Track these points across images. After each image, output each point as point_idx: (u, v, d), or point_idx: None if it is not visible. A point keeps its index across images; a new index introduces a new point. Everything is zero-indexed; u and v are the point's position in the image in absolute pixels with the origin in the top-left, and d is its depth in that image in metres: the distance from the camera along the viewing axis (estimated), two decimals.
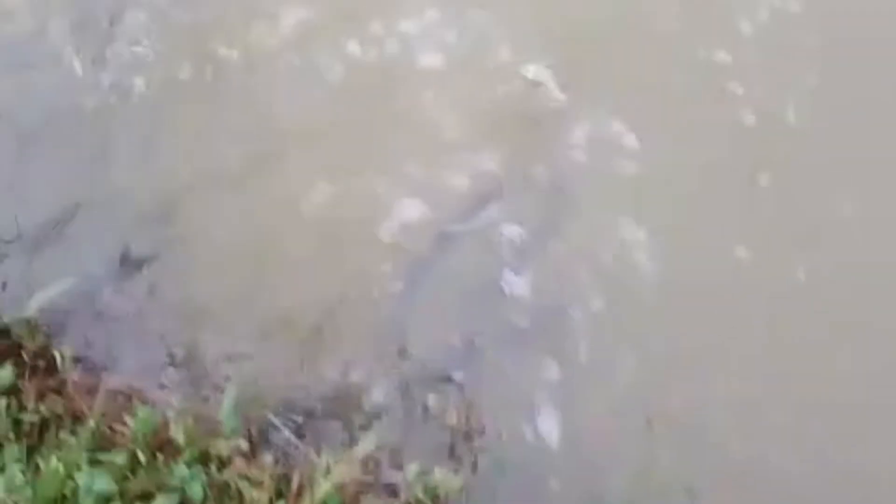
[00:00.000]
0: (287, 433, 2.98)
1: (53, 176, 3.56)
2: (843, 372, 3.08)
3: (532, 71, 3.67)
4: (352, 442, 2.91)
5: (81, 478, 2.70)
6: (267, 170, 3.53)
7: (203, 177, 3.54)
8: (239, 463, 2.82)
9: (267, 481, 2.76)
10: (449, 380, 3.12)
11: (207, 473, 2.78)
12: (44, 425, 2.90)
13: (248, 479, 2.78)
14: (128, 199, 3.51)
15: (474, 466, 2.98)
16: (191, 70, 3.77)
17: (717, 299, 3.20)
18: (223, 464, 2.82)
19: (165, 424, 2.87)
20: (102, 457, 2.78)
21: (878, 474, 2.94)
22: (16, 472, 2.73)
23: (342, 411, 3.06)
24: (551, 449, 3.01)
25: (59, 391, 3.00)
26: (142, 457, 2.79)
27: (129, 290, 3.34)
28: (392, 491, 2.90)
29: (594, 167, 3.47)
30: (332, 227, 3.39)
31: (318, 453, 2.86)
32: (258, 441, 2.94)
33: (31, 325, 3.09)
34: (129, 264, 3.38)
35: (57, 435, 2.86)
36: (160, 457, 2.81)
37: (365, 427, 3.00)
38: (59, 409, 2.93)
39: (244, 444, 2.86)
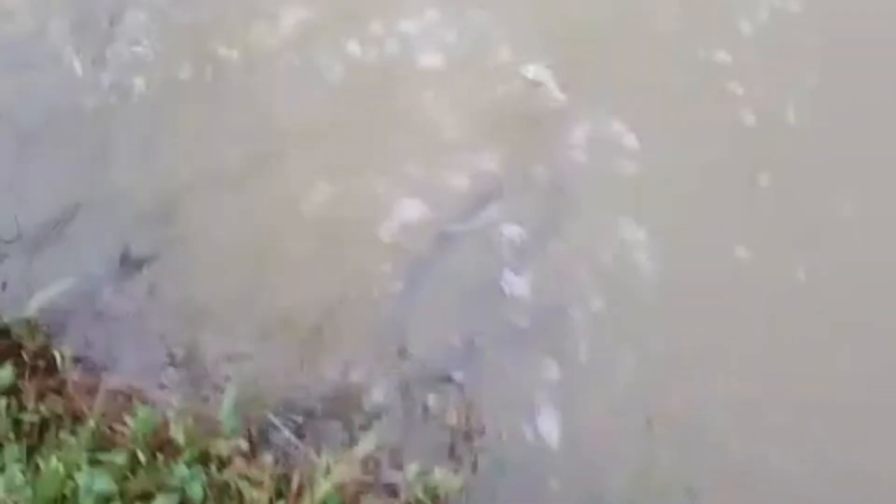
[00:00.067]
0: (287, 433, 2.98)
1: (53, 176, 3.55)
2: (843, 372, 3.08)
3: (532, 71, 3.67)
4: (352, 442, 2.90)
5: (81, 478, 2.70)
6: (267, 170, 3.53)
7: (203, 177, 3.53)
8: (239, 463, 2.82)
9: (267, 481, 2.76)
10: (449, 380, 3.12)
11: (207, 473, 2.78)
12: (44, 425, 2.90)
13: (248, 479, 2.78)
14: (128, 199, 3.51)
15: (474, 466, 2.98)
16: (191, 70, 3.77)
17: (716, 299, 3.20)
18: (223, 464, 2.82)
19: (165, 424, 2.87)
20: (102, 457, 2.78)
21: (879, 474, 2.94)
22: (16, 472, 2.73)
23: (342, 411, 3.06)
24: (551, 449, 3.01)
25: (59, 391, 3.00)
26: (142, 457, 2.78)
27: (130, 290, 3.34)
28: (392, 491, 2.90)
29: (594, 167, 3.47)
30: (332, 227, 3.39)
31: (318, 453, 2.86)
32: (258, 441, 2.94)
33: (31, 325, 3.09)
34: (130, 264, 3.38)
35: (57, 435, 2.86)
36: (160, 457, 2.80)
37: (365, 427, 3.00)
38: (59, 409, 2.93)
39: (244, 444, 2.86)
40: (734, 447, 2.96)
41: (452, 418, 3.05)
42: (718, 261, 3.25)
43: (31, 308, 3.09)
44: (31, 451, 2.80)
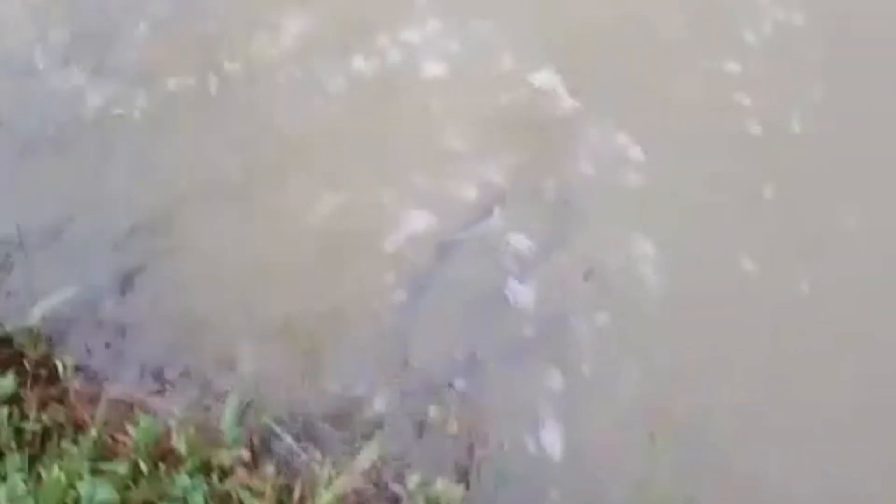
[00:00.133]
0: (289, 443, 2.97)
1: (55, 185, 3.55)
2: (847, 384, 3.08)
3: (538, 81, 3.67)
4: (354, 452, 2.88)
5: (83, 487, 2.68)
6: (270, 180, 3.53)
7: (205, 187, 3.53)
8: (241, 473, 2.81)
9: (268, 491, 2.75)
10: (451, 390, 3.11)
11: (209, 483, 2.76)
12: (45, 434, 2.88)
13: (249, 489, 2.77)
14: (129, 209, 3.50)
15: (476, 477, 2.97)
16: (193, 81, 3.76)
17: (721, 311, 3.20)
18: (225, 474, 2.81)
19: (167, 434, 2.86)
20: (104, 466, 2.77)
21: (882, 488, 2.93)
22: (17, 481, 2.71)
23: (344, 421, 3.06)
24: (553, 461, 3.00)
25: (61, 400, 2.99)
26: (143, 466, 2.77)
27: (131, 299, 3.33)
28: (394, 501, 2.90)
29: (600, 178, 3.47)
30: (335, 238, 3.39)
31: (320, 463, 2.85)
32: (260, 451, 2.93)
33: (33, 334, 3.08)
34: (132, 274, 3.38)
35: (59, 444, 2.84)
36: (162, 467, 2.79)
37: (367, 437, 2.98)
38: (61, 419, 2.92)
39: (246, 454, 2.85)
40: (737, 460, 2.95)
41: (454, 429, 3.04)
42: (723, 273, 3.25)
43: (34, 317, 3.09)
44: (32, 461, 2.79)
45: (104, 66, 3.83)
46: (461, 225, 3.41)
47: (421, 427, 3.05)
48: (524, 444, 3.03)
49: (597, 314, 3.22)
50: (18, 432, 2.87)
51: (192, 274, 3.34)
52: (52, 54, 3.86)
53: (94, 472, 2.75)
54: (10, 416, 2.88)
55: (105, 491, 2.70)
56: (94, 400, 2.97)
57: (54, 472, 2.70)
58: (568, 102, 3.63)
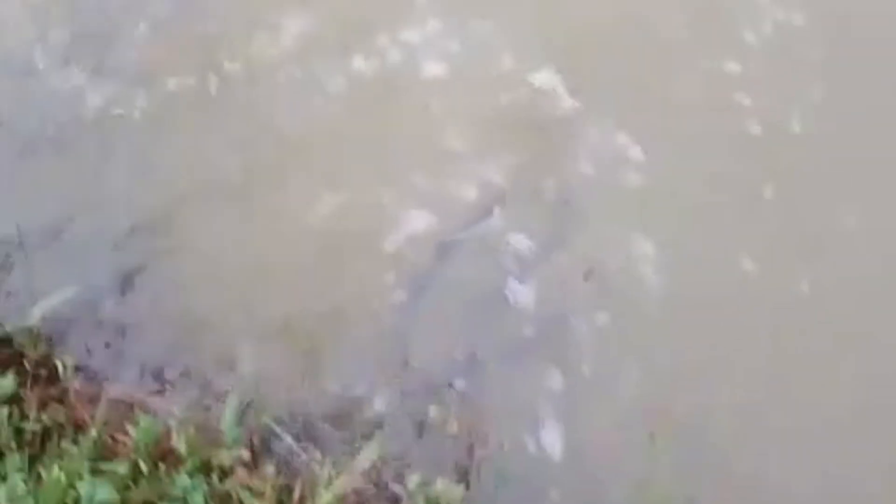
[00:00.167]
0: (289, 443, 2.97)
1: (55, 185, 3.55)
2: (848, 384, 3.08)
3: (538, 81, 3.67)
4: (354, 452, 2.89)
5: (83, 487, 2.68)
6: (270, 180, 3.53)
7: (205, 187, 3.53)
8: (241, 473, 2.81)
9: (268, 491, 2.75)
10: (451, 390, 3.11)
11: (209, 483, 2.76)
12: (46, 434, 2.88)
13: (249, 489, 2.77)
14: (129, 209, 3.50)
15: (476, 477, 2.96)
16: (193, 81, 3.76)
17: (721, 311, 3.20)
18: (225, 474, 2.80)
19: (167, 434, 2.86)
20: (104, 466, 2.77)
21: (882, 489, 2.93)
22: (18, 481, 2.71)
23: (344, 422, 3.06)
24: (553, 461, 3.00)
25: (61, 400, 2.99)
26: (143, 466, 2.77)
27: (131, 299, 3.33)
28: (394, 501, 2.90)
29: (600, 178, 3.47)
30: (336, 238, 3.38)
31: (320, 463, 2.85)
32: (260, 451, 2.93)
33: (34, 334, 3.08)
34: (132, 274, 3.38)
35: (59, 444, 2.84)
36: (162, 467, 2.79)
37: (367, 437, 2.98)
38: (61, 419, 2.92)
39: (246, 454, 2.85)
40: (737, 460, 2.95)
41: (454, 429, 3.04)
42: (723, 273, 3.25)
43: (34, 317, 3.09)
44: (32, 461, 2.79)
45: (104, 66, 3.83)
46: (461, 225, 3.41)
47: (421, 427, 3.05)
48: (524, 444, 3.03)
49: (597, 314, 3.22)
50: (18, 432, 2.87)
51: (192, 274, 3.34)
52: (52, 54, 3.86)
53: (94, 472, 2.75)
54: (10, 416, 2.87)
55: (105, 491, 2.70)
56: (94, 400, 2.97)
57: (54, 472, 2.70)
58: (568, 102, 3.63)
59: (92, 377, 3.12)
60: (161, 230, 3.47)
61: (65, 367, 3.02)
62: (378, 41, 3.81)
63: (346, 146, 3.57)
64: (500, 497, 2.95)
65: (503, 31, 3.78)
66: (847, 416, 3.02)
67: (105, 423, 2.88)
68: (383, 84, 3.72)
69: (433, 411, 3.07)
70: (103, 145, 3.65)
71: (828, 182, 3.38)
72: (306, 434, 3.02)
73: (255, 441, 2.93)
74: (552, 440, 3.02)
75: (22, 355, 3.06)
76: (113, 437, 2.88)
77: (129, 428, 2.85)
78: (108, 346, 3.21)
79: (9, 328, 3.11)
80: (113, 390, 3.04)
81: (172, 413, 2.97)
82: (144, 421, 2.86)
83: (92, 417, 2.90)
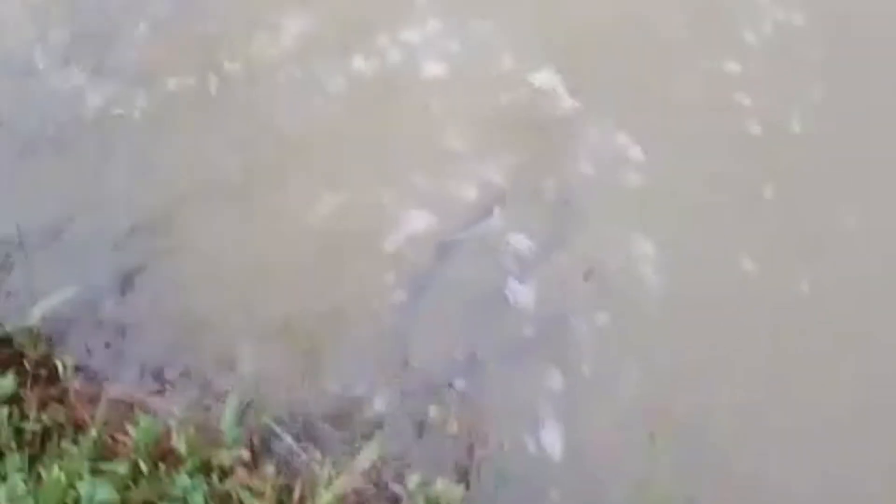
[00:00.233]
0: (289, 443, 2.97)
1: (55, 185, 3.55)
2: (848, 385, 3.07)
3: (538, 81, 3.67)
4: (354, 452, 2.89)
5: (83, 487, 2.68)
6: (270, 181, 3.52)
7: (205, 188, 3.53)
8: (241, 473, 2.81)
9: (268, 491, 2.75)
10: (451, 390, 3.11)
11: (209, 483, 2.76)
12: (46, 434, 2.88)
13: (249, 489, 2.77)
14: (130, 209, 3.49)
15: (476, 477, 2.96)
16: (193, 81, 3.76)
17: (721, 312, 3.19)
18: (225, 474, 2.80)
19: (167, 434, 2.86)
20: (104, 466, 2.77)
21: (882, 489, 2.93)
22: (18, 481, 2.71)
23: (344, 422, 3.05)
24: (553, 461, 3.00)
25: (61, 400, 2.99)
26: (143, 466, 2.77)
27: (131, 299, 3.33)
28: (394, 502, 2.90)
29: (600, 178, 3.47)
30: (336, 238, 3.38)
31: (320, 463, 2.85)
32: (260, 451, 2.93)
33: (34, 334, 3.08)
34: (132, 274, 3.37)
35: (59, 444, 2.84)
36: (162, 467, 2.79)
37: (367, 437, 2.98)
38: (61, 419, 2.92)
39: (246, 454, 2.85)
40: (737, 460, 2.95)
41: (454, 429, 3.04)
42: (723, 273, 3.25)
43: (34, 317, 3.08)
44: (32, 461, 2.79)
45: (104, 66, 3.83)
46: (461, 225, 3.41)
47: (421, 427, 3.05)
48: (524, 444, 3.02)
49: (597, 314, 3.22)
50: (18, 432, 2.87)
51: (192, 274, 3.34)
52: (52, 54, 3.86)
53: (94, 472, 2.75)
54: (10, 416, 2.87)
55: (105, 491, 2.70)
56: (94, 400, 2.97)
57: (54, 473, 2.70)
58: (568, 102, 3.62)
59: (92, 377, 3.12)
60: (161, 230, 3.47)
61: (65, 367, 3.02)
62: (378, 41, 3.80)
63: (346, 146, 3.57)
64: (500, 497, 2.95)
65: (503, 30, 3.78)
66: (847, 416, 3.02)
67: (105, 423, 2.88)
68: (383, 84, 3.72)
69: (433, 411, 3.07)
70: (103, 145, 3.65)
71: (828, 182, 3.38)
72: (306, 434, 3.02)
73: (255, 441, 2.93)
74: (552, 440, 3.02)
75: (22, 355, 3.06)
76: (113, 437, 2.88)
77: (129, 428, 2.85)
78: (108, 346, 3.21)
79: (9, 328, 3.11)
80: (113, 390, 3.04)
81: (172, 413, 2.97)
82: (144, 421, 2.85)
83: (92, 417, 2.90)
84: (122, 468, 2.76)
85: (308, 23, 3.86)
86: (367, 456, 2.84)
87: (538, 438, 3.03)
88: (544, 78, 3.67)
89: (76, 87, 3.78)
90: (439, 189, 3.47)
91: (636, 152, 3.49)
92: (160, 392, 3.12)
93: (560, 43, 3.73)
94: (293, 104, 3.70)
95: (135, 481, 2.76)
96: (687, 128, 3.52)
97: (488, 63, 3.73)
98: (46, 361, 3.07)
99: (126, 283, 3.36)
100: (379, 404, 3.09)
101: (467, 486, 2.92)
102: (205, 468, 2.80)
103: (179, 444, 2.81)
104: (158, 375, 3.16)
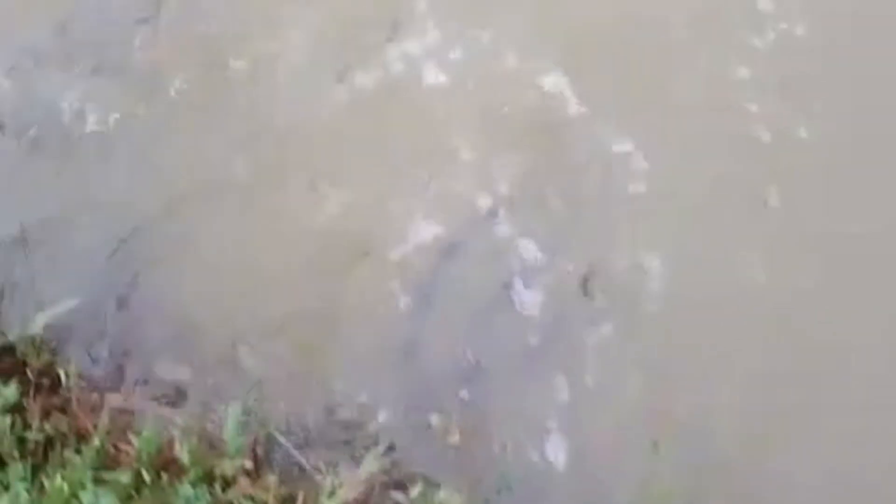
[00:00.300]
0: (292, 452, 2.98)
1: (55, 185, 3.54)
2: (850, 387, 3.08)
3: (544, 85, 3.65)
4: (356, 461, 2.90)
5: (86, 497, 2.70)
6: (271, 181, 3.52)
7: (206, 188, 3.52)
8: (243, 483, 2.82)
9: (271, 501, 2.77)
10: (455, 397, 3.11)
11: (212, 493, 2.77)
12: (48, 444, 2.89)
13: (252, 498, 2.79)
14: (130, 209, 3.49)
15: (479, 485, 2.97)
16: (193, 81, 3.74)
17: (726, 318, 3.19)
18: (228, 483, 2.82)
19: (170, 443, 2.87)
20: (107, 476, 2.78)
21: (883, 489, 2.94)
22: (21, 490, 2.73)
23: (347, 430, 3.06)
24: (556, 468, 3.01)
25: (64, 409, 2.99)
26: (146, 476, 2.78)
27: (132, 302, 3.32)
28: None
29: (605, 183, 3.46)
30: (340, 242, 3.38)
31: (323, 473, 2.86)
32: (263, 460, 2.94)
33: (36, 343, 3.09)
34: (132, 275, 3.37)
35: (62, 453, 2.85)
36: (164, 476, 2.80)
37: (369, 446, 2.99)
38: (64, 428, 2.93)
39: (249, 464, 2.86)
40: (740, 467, 2.96)
41: (458, 437, 3.04)
42: (728, 278, 3.25)
43: (37, 326, 3.09)
44: (35, 470, 2.80)
45: (104, 66, 3.81)
46: (466, 229, 3.40)
47: (424, 435, 3.05)
48: (527, 451, 3.03)
49: (602, 319, 3.21)
50: (21, 441, 2.88)
51: (195, 281, 3.33)
52: (52, 54, 3.84)
53: (97, 481, 2.76)
54: (13, 425, 2.88)
55: (108, 500, 2.72)
56: (96, 409, 2.98)
57: (57, 482, 2.72)
58: (574, 106, 3.60)
59: (94, 386, 3.12)
60: (161, 230, 3.45)
61: (67, 375, 3.02)
62: (383, 43, 3.78)
63: (349, 148, 3.56)
64: None
65: (508, 34, 3.75)
66: (849, 418, 3.02)
67: (108, 433, 2.89)
68: (387, 86, 3.69)
69: (436, 419, 3.07)
70: (103, 145, 3.63)
71: (831, 186, 3.37)
72: (309, 443, 3.03)
73: (258, 450, 2.94)
74: (555, 447, 3.03)
75: (25, 364, 3.07)
76: (115, 447, 2.89)
77: (132, 437, 2.87)
78: (110, 354, 3.21)
79: (11, 337, 3.11)
80: (115, 399, 3.04)
81: (175, 422, 2.97)
82: (147, 430, 2.87)
83: (95, 426, 2.91)
84: (124, 477, 2.77)
85: (308, 23, 3.83)
86: (370, 465, 2.85)
87: (542, 446, 3.03)
88: (550, 81, 3.63)
89: (76, 87, 3.76)
90: (444, 193, 3.45)
91: (641, 157, 3.46)
92: (163, 401, 3.12)
93: (566, 46, 3.69)
94: (294, 104, 3.68)
95: (137, 491, 2.77)
96: (691, 131, 3.49)
97: (492, 66, 3.70)
98: (49, 370, 3.07)
99: (127, 285, 3.35)
100: (383, 412, 3.09)
101: (470, 494, 2.92)
102: (207, 478, 2.81)
103: (182, 453, 2.82)
104: (161, 384, 3.16)
